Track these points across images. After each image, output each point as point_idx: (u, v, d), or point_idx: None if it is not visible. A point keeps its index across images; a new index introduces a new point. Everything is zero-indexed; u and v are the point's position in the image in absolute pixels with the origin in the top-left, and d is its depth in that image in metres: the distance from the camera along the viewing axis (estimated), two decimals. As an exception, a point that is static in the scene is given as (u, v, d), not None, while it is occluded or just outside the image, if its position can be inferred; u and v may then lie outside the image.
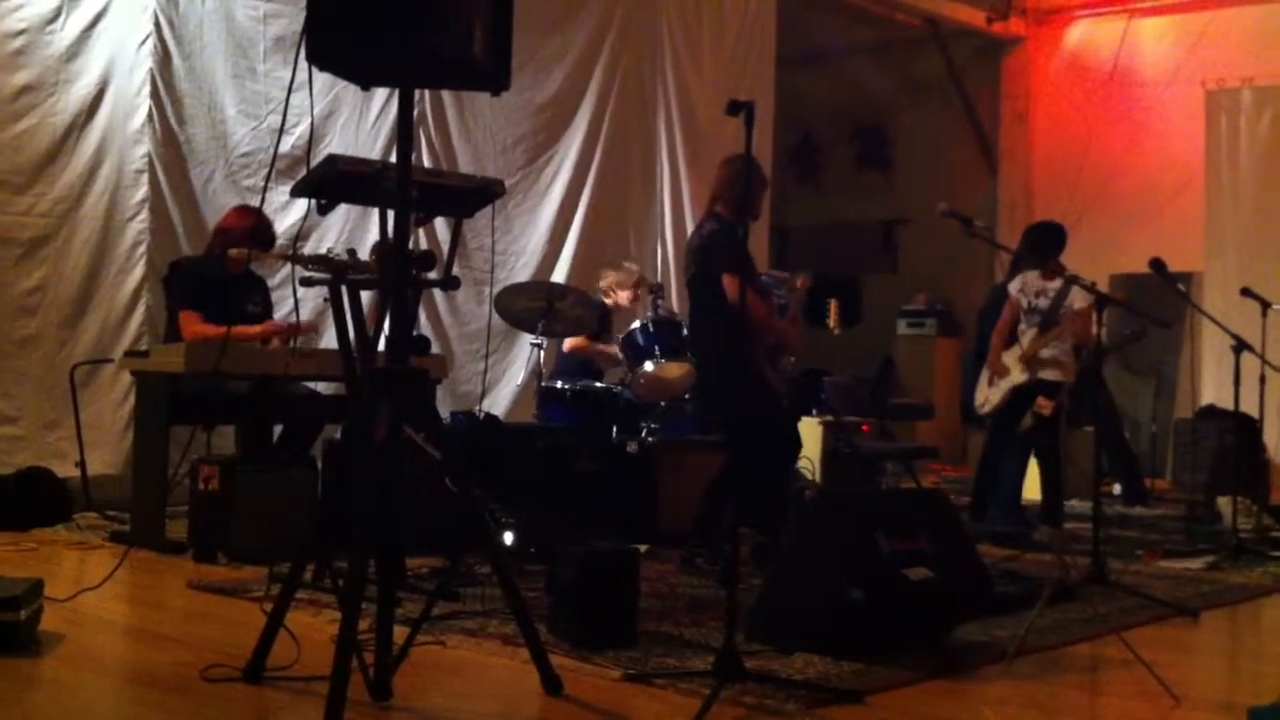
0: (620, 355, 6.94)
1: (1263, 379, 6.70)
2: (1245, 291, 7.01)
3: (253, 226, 6.18)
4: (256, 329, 6.21)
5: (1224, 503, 7.47)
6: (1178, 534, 7.48)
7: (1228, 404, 7.51)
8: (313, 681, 3.48)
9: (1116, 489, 8.94)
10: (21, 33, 6.92)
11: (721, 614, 3.72)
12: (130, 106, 7.23)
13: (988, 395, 7.18)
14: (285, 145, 7.27)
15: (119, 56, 7.19)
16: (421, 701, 3.55)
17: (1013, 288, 7.18)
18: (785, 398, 6.24)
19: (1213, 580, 5.98)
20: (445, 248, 4.38)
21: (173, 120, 7.37)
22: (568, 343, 7.48)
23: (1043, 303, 7.03)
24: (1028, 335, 7.03)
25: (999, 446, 7.28)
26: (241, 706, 3.46)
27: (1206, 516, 7.88)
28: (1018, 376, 7.02)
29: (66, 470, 6.66)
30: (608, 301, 7.63)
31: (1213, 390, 10.12)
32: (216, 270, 6.23)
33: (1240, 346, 6.63)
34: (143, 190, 7.25)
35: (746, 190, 5.62)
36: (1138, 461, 9.10)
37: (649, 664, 3.94)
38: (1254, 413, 7.24)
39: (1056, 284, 6.98)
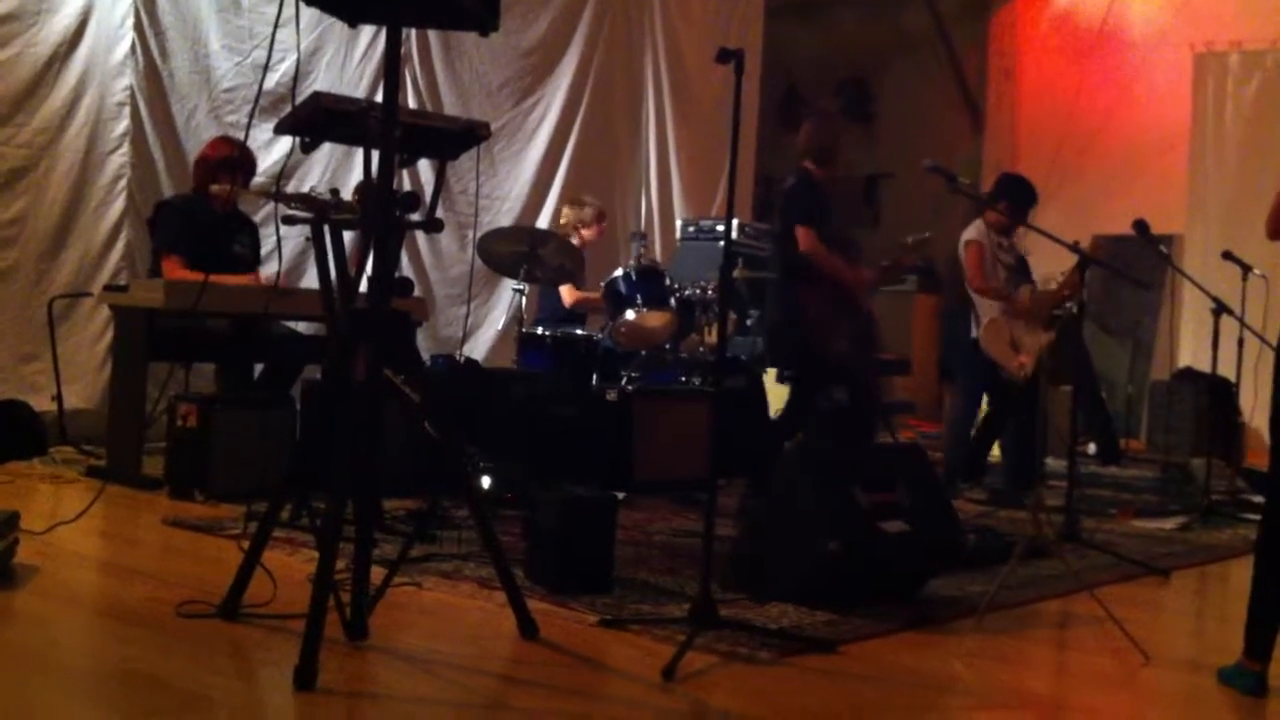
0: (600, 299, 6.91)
1: (1241, 342, 6.72)
2: (1227, 255, 7.01)
3: (230, 157, 6.12)
4: (235, 280, 6.13)
5: (1198, 464, 7.52)
6: (1151, 494, 7.53)
7: (1205, 366, 7.55)
8: (289, 619, 3.50)
9: (1091, 448, 8.98)
10: (2, -40, 6.82)
11: (697, 562, 3.74)
12: (113, 38, 7.15)
13: (1018, 358, 6.57)
14: (270, 82, 7.17)
15: (102, -14, 7.10)
16: (397, 641, 3.57)
17: (977, 234, 6.84)
18: (848, 356, 6.11)
19: (1184, 540, 6.03)
20: (429, 190, 4.35)
21: (155, 53, 7.30)
22: (567, 298, 7.39)
23: (1010, 259, 6.94)
24: (1023, 292, 6.79)
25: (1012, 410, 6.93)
26: (217, 642, 3.46)
27: (1180, 477, 7.94)
28: (1047, 336, 6.54)
29: (43, 404, 6.63)
30: (574, 241, 7.30)
31: (1190, 352, 10.16)
32: (203, 209, 6.17)
33: (1220, 309, 6.65)
34: (124, 124, 7.19)
35: (831, 143, 6.09)
36: (1113, 421, 9.14)
37: (625, 610, 3.96)
38: (1231, 376, 7.28)
39: (1006, 240, 6.90)
